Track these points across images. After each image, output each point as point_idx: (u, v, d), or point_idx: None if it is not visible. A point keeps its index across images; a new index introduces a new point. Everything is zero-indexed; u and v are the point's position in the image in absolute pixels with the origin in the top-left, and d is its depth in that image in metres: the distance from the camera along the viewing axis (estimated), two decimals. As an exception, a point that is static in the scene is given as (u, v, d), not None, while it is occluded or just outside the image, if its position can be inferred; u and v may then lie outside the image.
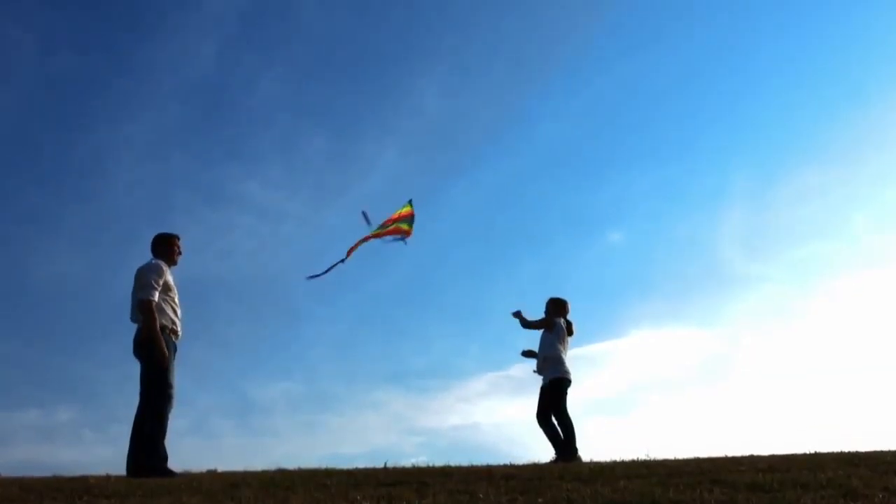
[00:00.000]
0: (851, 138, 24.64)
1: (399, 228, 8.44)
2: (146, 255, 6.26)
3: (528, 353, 8.37)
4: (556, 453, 7.68)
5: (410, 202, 8.64)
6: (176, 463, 5.85)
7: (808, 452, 6.00)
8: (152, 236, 6.34)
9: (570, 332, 8.25)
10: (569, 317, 8.34)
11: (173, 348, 6.07)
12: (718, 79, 26.04)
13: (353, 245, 8.21)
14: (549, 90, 26.54)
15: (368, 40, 25.39)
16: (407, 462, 6.47)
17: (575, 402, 8.04)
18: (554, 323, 8.19)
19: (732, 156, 25.35)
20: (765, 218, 24.41)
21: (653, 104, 26.06)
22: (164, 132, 23.66)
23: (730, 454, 6.19)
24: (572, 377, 8.04)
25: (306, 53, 25.15)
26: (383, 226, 8.45)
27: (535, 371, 8.20)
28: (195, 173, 23.65)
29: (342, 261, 8.04)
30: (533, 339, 8.39)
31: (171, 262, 6.29)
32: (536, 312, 8.40)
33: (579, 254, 24.59)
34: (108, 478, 5.23)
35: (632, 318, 22.23)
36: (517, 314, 8.32)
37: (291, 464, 6.44)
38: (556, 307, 8.33)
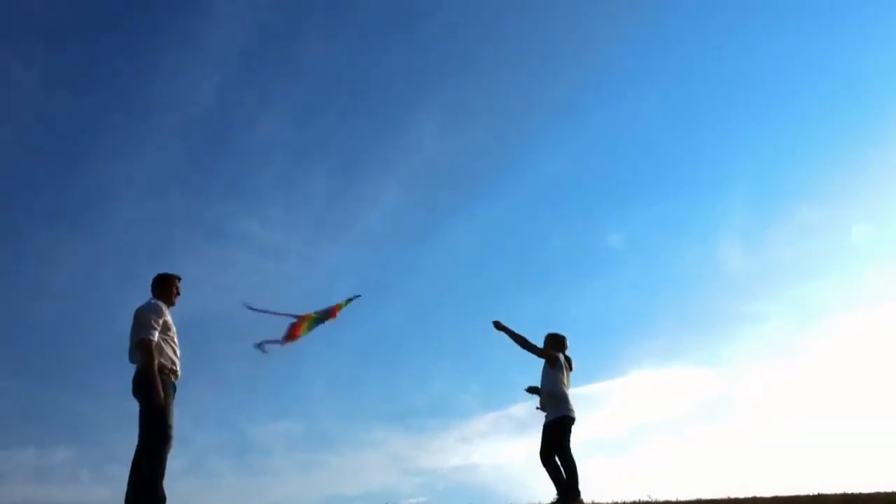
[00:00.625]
0: (851, 175, 24.78)
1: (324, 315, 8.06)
2: (146, 293, 6.31)
3: (532, 390, 8.28)
4: (557, 494, 7.58)
5: (350, 300, 8.25)
6: (174, 504, 5.79)
7: (811, 494, 5.95)
8: (153, 275, 6.37)
9: (570, 367, 8.17)
10: (568, 353, 8.26)
11: (172, 388, 6.07)
12: (717, 115, 26.29)
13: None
14: (547, 127, 26.80)
15: (368, 78, 25.71)
16: (406, 503, 6.39)
17: (576, 441, 7.93)
18: (556, 358, 8.07)
19: (731, 193, 25.46)
20: (765, 255, 24.44)
21: (651, 141, 26.27)
22: (164, 169, 23.86)
23: (732, 495, 6.14)
24: (576, 415, 7.94)
25: (306, 91, 25.44)
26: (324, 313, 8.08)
27: (537, 408, 8.11)
28: (195, 210, 23.77)
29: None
30: (529, 367, 8.30)
31: (170, 302, 6.32)
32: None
33: (579, 291, 24.58)
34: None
35: (632, 356, 22.12)
36: (497, 323, 8.08)
37: (290, 504, 6.37)
38: (555, 343, 8.22)
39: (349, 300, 8.07)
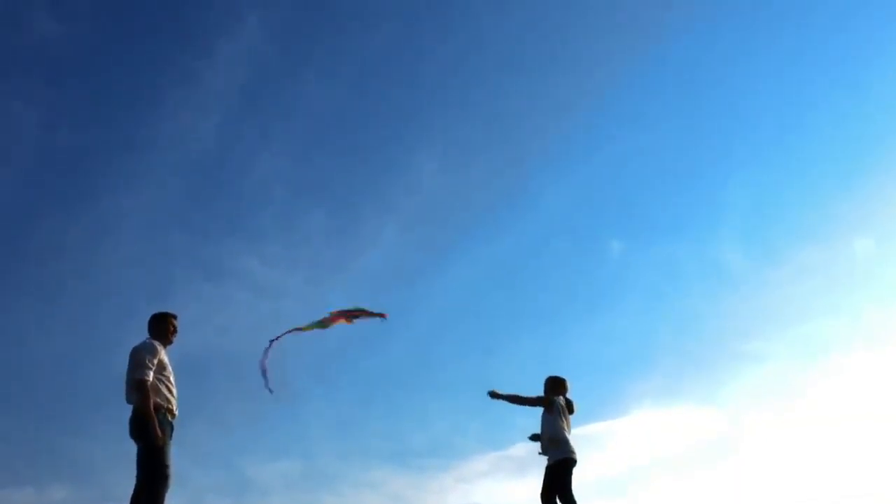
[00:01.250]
0: (850, 215, 24.89)
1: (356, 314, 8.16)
2: (144, 332, 6.33)
3: (534, 437, 8.23)
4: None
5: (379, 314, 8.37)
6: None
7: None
8: (150, 314, 6.39)
9: (570, 410, 8.14)
10: (568, 395, 8.24)
11: (170, 428, 6.06)
12: (714, 153, 26.41)
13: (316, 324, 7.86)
14: (547, 167, 26.93)
15: (368, 117, 25.91)
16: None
17: (577, 482, 7.86)
18: (552, 402, 8.03)
19: (731, 232, 25.52)
20: (765, 295, 24.43)
21: (651, 180, 26.39)
22: (163, 207, 23.92)
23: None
24: (577, 457, 7.90)
25: (306, 130, 25.61)
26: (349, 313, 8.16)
27: (539, 453, 8.07)
28: (194, 248, 23.79)
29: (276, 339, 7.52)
30: (530, 414, 8.26)
31: (167, 341, 6.33)
32: (536, 390, 8.28)
33: (579, 330, 24.47)
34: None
35: (633, 396, 21.97)
36: (492, 393, 8.04)
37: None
38: (555, 386, 8.21)
39: (377, 314, 8.18)
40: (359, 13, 25.16)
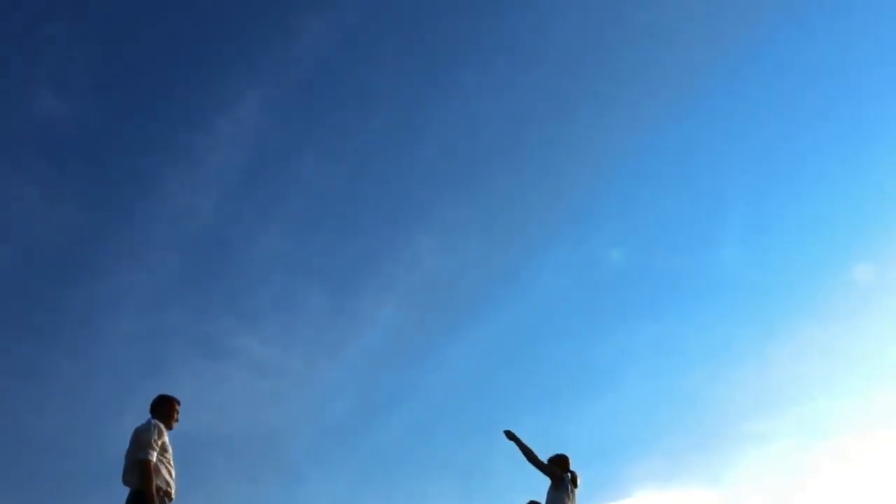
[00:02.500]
0: (851, 293, 24.91)
1: None
2: (141, 410, 6.37)
3: None
4: None
5: None
6: None
7: None
8: (148, 392, 6.46)
9: (575, 485, 8.06)
10: (572, 467, 8.17)
11: (165, 511, 5.99)
12: (716, 233, 26.69)
13: None
14: (544, 246, 27.16)
15: (367, 197, 26.27)
16: None
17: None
18: (561, 478, 7.98)
19: (732, 311, 25.56)
20: (767, 373, 24.26)
21: (650, 260, 26.55)
22: (161, 285, 23.98)
23: None
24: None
25: (305, 208, 25.92)
26: None
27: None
28: (192, 327, 23.73)
29: None
30: (531, 487, 8.15)
31: (169, 425, 6.32)
32: (535, 472, 8.19)
33: (580, 410, 24.22)
34: None
35: (635, 477, 21.57)
36: (509, 433, 8.02)
37: None
38: (559, 463, 8.17)
39: None
40: (358, 94, 25.86)
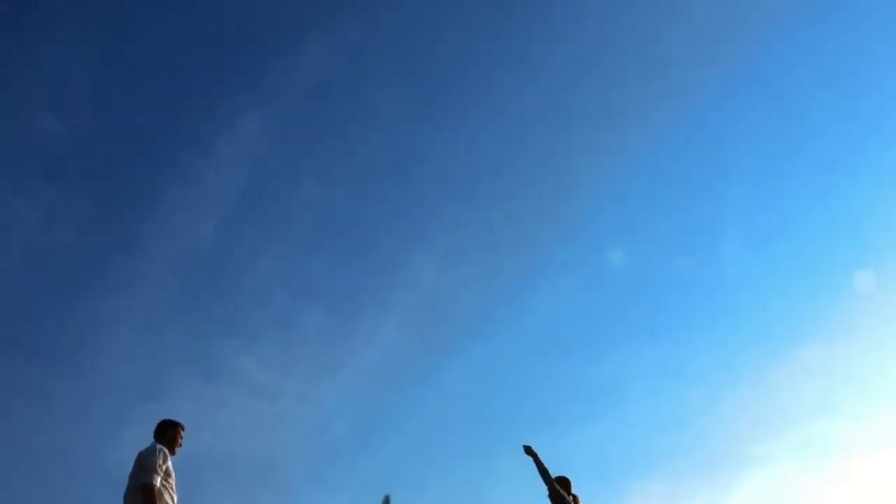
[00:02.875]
0: (852, 315, 24.88)
1: None
2: (139, 432, 6.40)
3: None
4: None
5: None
6: None
7: None
8: (146, 414, 6.58)
9: None
10: (573, 490, 8.14)
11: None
12: (717, 254, 26.71)
13: None
14: (547, 266, 27.15)
15: (366, 217, 26.29)
16: None
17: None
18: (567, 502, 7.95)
19: (733, 332, 25.50)
20: (767, 396, 24.17)
21: (651, 280, 26.55)
22: (160, 306, 23.92)
23: None
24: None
25: (305, 229, 25.94)
26: None
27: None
28: (191, 348, 23.66)
29: None
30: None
31: (173, 450, 6.35)
32: (535, 493, 8.17)
33: (579, 432, 24.07)
34: None
35: (635, 499, 21.43)
36: (528, 449, 8.08)
37: None
38: (561, 484, 8.12)
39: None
40: (357, 115, 25.99)
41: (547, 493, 8.04)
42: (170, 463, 6.16)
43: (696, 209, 26.84)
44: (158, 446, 6.18)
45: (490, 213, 27.09)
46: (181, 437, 6.41)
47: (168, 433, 6.35)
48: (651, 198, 26.91)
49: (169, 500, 6.03)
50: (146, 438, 6.37)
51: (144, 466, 5.99)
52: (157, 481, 5.93)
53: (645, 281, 26.36)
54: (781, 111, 26.47)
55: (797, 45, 26.35)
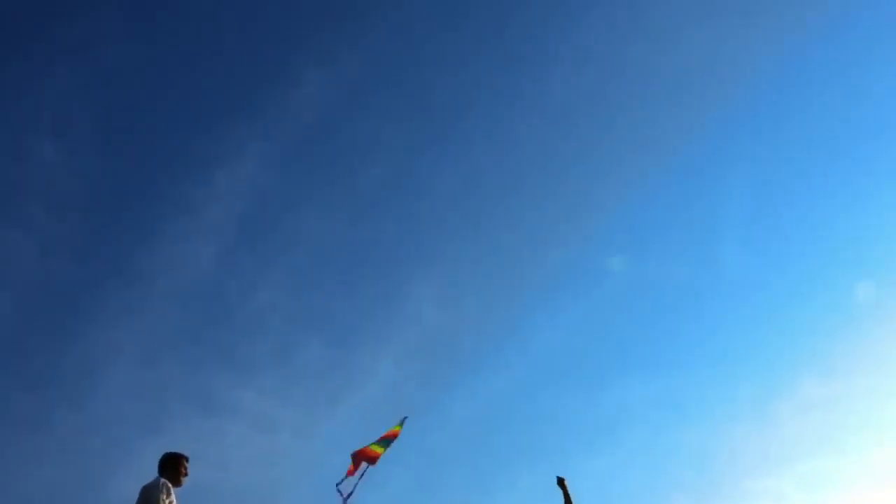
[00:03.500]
0: (852, 350, 24.82)
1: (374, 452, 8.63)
2: (138, 463, 6.29)
3: None
4: None
5: (402, 422, 8.90)
6: None
7: None
8: (145, 446, 6.46)
9: None
10: None
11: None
12: (717, 288, 26.68)
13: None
14: (544, 301, 27.10)
15: (366, 249, 26.31)
16: None
17: None
18: None
19: (734, 367, 25.38)
20: (770, 431, 24.00)
21: (652, 313, 26.49)
22: (158, 338, 23.82)
23: None
24: None
25: (304, 261, 25.91)
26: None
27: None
28: (189, 380, 23.52)
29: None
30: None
31: (177, 483, 6.31)
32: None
33: (580, 466, 23.82)
34: None
35: (637, 535, 21.20)
36: (561, 481, 8.19)
37: None
38: None
39: (401, 423, 9.06)
40: (357, 147, 26.14)
41: None
42: (174, 497, 6.13)
43: (696, 251, 26.89)
44: (162, 480, 6.15)
45: (490, 245, 27.16)
46: (185, 469, 6.36)
47: (172, 466, 6.31)
48: (653, 225, 26.99)
49: (173, 534, 6.01)
50: (144, 472, 6.38)
51: (148, 501, 5.97)
52: (162, 516, 5.91)
53: (646, 312, 26.34)
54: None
55: (799, 52, 26.60)
